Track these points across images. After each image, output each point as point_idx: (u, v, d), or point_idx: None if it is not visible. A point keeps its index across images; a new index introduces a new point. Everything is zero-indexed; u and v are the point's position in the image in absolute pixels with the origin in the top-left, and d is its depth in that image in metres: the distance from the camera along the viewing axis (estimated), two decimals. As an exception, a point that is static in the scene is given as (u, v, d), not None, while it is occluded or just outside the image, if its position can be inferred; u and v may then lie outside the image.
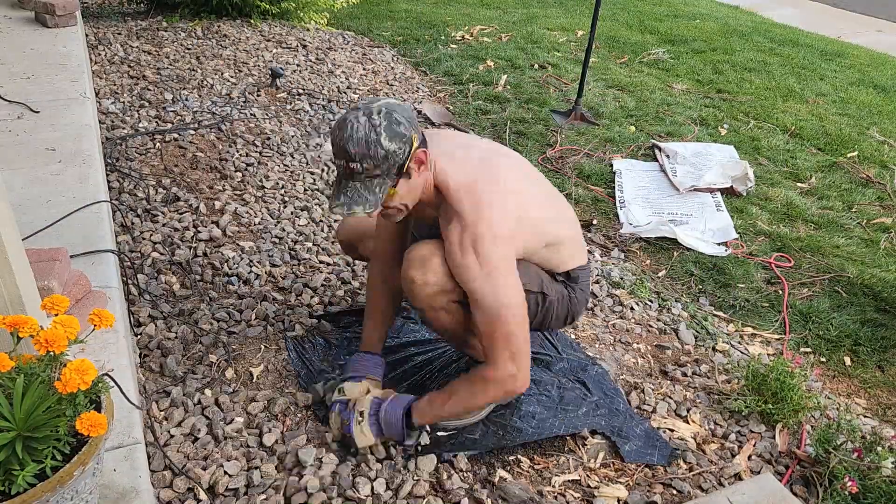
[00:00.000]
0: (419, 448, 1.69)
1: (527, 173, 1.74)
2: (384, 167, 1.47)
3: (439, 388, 1.72)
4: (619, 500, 1.67)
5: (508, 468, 1.72)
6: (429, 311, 1.67)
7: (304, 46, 4.56)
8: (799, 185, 3.47)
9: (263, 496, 1.56)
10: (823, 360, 2.33)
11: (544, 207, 1.72)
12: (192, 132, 3.20)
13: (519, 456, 1.77)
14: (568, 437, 1.83)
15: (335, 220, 2.69)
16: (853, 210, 3.23)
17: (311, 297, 2.25)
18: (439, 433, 1.76)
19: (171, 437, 1.68)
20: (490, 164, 1.64)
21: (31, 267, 1.58)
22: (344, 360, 1.99)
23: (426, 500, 1.60)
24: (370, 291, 1.88)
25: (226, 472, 1.60)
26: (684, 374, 2.12)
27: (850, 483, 1.63)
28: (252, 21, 4.83)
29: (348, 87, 4.03)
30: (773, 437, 1.90)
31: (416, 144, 1.50)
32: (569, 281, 1.79)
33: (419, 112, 3.85)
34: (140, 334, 1.99)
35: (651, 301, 2.49)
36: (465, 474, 1.69)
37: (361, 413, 1.66)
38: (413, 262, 1.61)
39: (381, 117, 1.46)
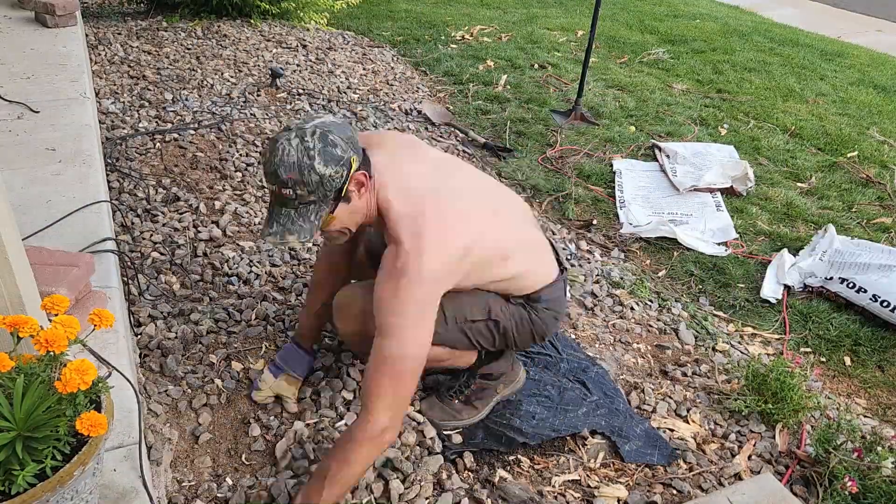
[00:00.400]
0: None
1: (483, 192, 1.63)
2: (319, 193, 1.38)
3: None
4: (619, 500, 1.67)
5: (508, 468, 1.72)
6: (353, 344, 1.77)
7: (304, 46, 4.56)
8: (799, 185, 3.47)
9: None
10: (823, 360, 2.33)
11: (499, 232, 1.57)
12: (192, 132, 3.20)
13: (519, 456, 1.77)
14: (568, 437, 1.83)
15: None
16: (853, 210, 3.23)
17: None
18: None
19: (171, 437, 1.68)
20: (440, 188, 1.50)
21: (46, 270, 1.58)
22: None
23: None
24: (313, 282, 1.85)
25: (226, 473, 1.60)
26: (684, 374, 2.12)
27: (850, 483, 1.63)
28: (252, 21, 4.83)
29: (348, 87, 4.03)
30: (773, 437, 1.90)
31: (355, 166, 1.40)
32: (528, 302, 1.67)
33: (419, 112, 3.86)
34: (140, 334, 1.99)
35: (651, 301, 2.49)
36: (466, 474, 1.69)
37: None
38: (336, 309, 1.67)
39: (316, 139, 1.36)
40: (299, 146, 1.35)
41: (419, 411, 1.83)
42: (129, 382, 1.49)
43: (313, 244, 2.53)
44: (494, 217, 1.59)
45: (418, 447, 1.73)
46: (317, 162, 1.35)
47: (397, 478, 1.62)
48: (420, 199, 1.46)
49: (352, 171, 1.40)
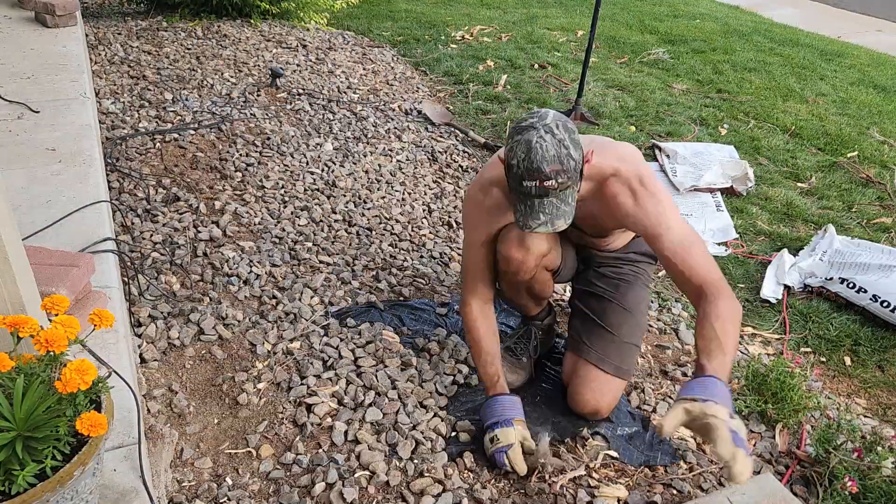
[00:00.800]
0: None
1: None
2: (575, 176, 1.51)
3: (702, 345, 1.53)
4: (619, 500, 1.67)
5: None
6: (526, 281, 1.82)
7: (304, 46, 4.56)
8: (799, 184, 3.47)
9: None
10: (823, 360, 2.33)
11: None
12: (192, 132, 3.20)
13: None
14: (568, 438, 1.83)
15: (335, 221, 2.69)
16: (853, 210, 3.23)
17: (311, 297, 2.25)
18: None
19: (171, 437, 1.68)
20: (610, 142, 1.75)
21: (46, 270, 1.58)
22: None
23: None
24: (474, 332, 1.84)
25: (226, 474, 1.61)
26: (684, 374, 2.12)
27: (850, 483, 1.63)
28: (252, 21, 4.83)
29: (348, 87, 4.03)
30: (773, 437, 1.90)
31: (583, 148, 1.56)
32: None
33: (419, 112, 3.86)
34: (140, 334, 1.99)
35: (651, 301, 2.48)
36: (466, 474, 1.69)
37: (731, 415, 1.39)
38: (512, 246, 1.74)
39: (562, 130, 1.49)
40: (553, 140, 1.48)
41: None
42: (128, 384, 1.49)
43: (316, 246, 2.53)
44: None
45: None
46: (571, 150, 1.49)
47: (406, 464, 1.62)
48: (601, 146, 1.69)
49: (583, 150, 1.56)
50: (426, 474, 1.66)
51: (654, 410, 1.95)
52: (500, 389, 1.78)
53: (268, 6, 4.85)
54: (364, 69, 4.39)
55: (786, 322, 2.46)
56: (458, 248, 2.64)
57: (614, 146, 1.71)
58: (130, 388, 1.48)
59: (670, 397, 2.01)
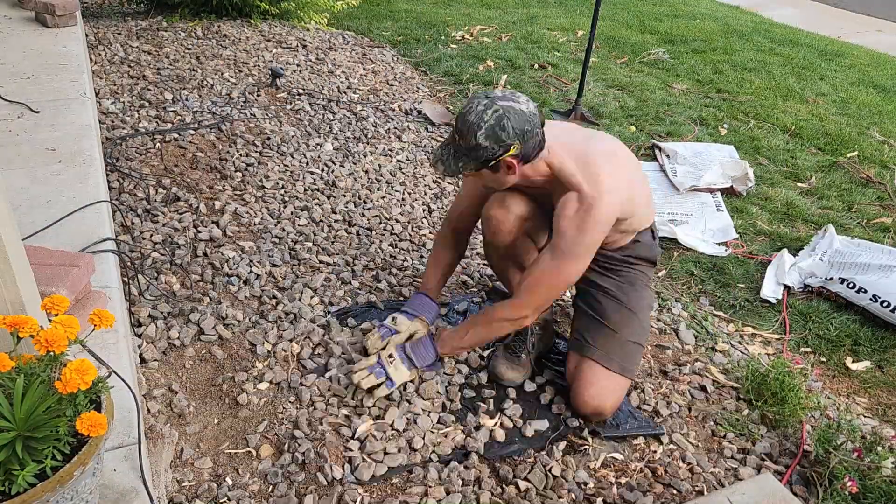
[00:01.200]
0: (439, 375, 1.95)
1: (627, 154, 1.91)
2: (471, 155, 1.67)
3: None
4: (619, 500, 1.67)
5: (517, 469, 1.72)
6: (503, 251, 1.98)
7: (304, 46, 4.56)
8: (799, 184, 3.47)
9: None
10: (823, 360, 2.33)
11: (641, 186, 1.92)
12: (192, 132, 3.20)
13: (527, 458, 1.77)
14: (569, 437, 1.83)
15: (335, 221, 2.70)
16: (853, 210, 3.23)
17: (311, 297, 2.25)
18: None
19: (171, 437, 1.68)
20: (598, 143, 1.83)
21: (46, 270, 1.58)
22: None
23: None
24: (439, 240, 2.12)
25: (226, 474, 1.61)
26: (684, 374, 2.12)
27: (850, 483, 1.63)
28: (252, 21, 4.83)
29: (348, 87, 4.03)
30: (773, 438, 1.90)
31: (512, 151, 1.66)
32: (640, 244, 2.01)
33: (419, 112, 3.86)
34: (140, 334, 1.99)
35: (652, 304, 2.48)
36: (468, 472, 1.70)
37: (391, 356, 1.85)
38: (494, 204, 1.90)
39: (491, 115, 1.63)
40: (480, 113, 1.64)
41: (498, 375, 1.97)
42: (127, 384, 1.49)
43: (316, 246, 2.53)
44: (635, 168, 1.93)
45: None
46: (480, 133, 1.63)
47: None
48: (583, 150, 1.77)
49: (506, 154, 1.66)
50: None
51: (655, 410, 1.95)
52: (425, 290, 2.08)
53: (268, 6, 4.85)
54: (364, 69, 4.39)
55: (786, 322, 2.46)
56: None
57: (606, 174, 1.74)
58: (130, 388, 1.48)
59: (670, 397, 2.02)
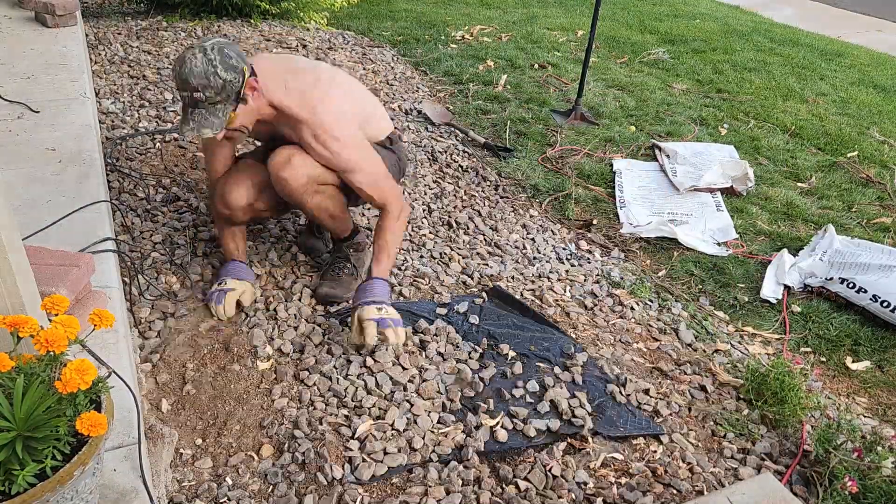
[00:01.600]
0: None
1: (334, 69, 2.12)
2: (223, 94, 1.74)
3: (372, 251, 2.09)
4: (619, 500, 1.67)
5: (517, 470, 1.72)
6: (308, 201, 2.02)
7: (304, 46, 4.56)
8: (799, 184, 3.47)
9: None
10: (823, 360, 2.33)
11: (358, 91, 2.12)
12: (192, 132, 3.20)
13: (528, 459, 1.77)
14: (569, 438, 1.83)
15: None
16: (853, 210, 3.23)
17: (311, 296, 2.25)
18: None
19: (171, 437, 1.68)
20: (311, 72, 1.98)
21: (46, 270, 1.58)
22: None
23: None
24: (219, 210, 2.13)
25: (227, 473, 1.61)
26: (684, 374, 2.12)
27: (850, 483, 1.63)
28: (252, 21, 4.83)
29: (348, 87, 4.03)
30: (773, 438, 1.90)
31: (247, 74, 1.78)
32: (391, 145, 2.20)
33: (419, 112, 3.85)
34: (140, 334, 1.99)
35: (651, 301, 2.49)
36: (468, 470, 1.70)
37: (378, 307, 1.93)
38: (279, 165, 1.94)
39: (215, 53, 1.72)
40: (203, 58, 1.71)
41: (323, 294, 2.17)
42: (127, 384, 1.49)
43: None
44: (353, 83, 2.14)
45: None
46: (219, 69, 1.72)
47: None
48: (298, 83, 1.91)
49: (246, 77, 1.78)
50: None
51: (655, 410, 1.95)
52: (236, 258, 2.17)
53: (268, 6, 4.85)
54: (364, 69, 4.39)
55: (786, 322, 2.46)
56: (459, 248, 2.64)
57: (312, 91, 1.90)
58: (130, 388, 1.48)
59: (670, 397, 2.02)
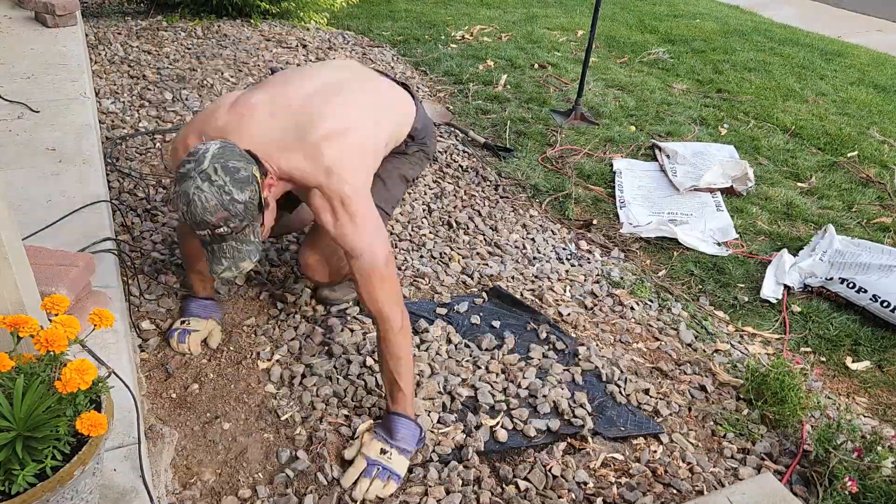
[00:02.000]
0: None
1: (353, 91, 1.82)
2: (249, 216, 1.50)
3: (381, 386, 1.86)
4: (619, 500, 1.67)
5: (517, 470, 1.72)
6: (339, 281, 2.06)
7: (304, 46, 4.56)
8: (799, 184, 3.47)
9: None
10: (823, 360, 2.33)
11: (373, 116, 1.80)
12: (192, 132, 3.20)
13: (528, 460, 1.77)
14: (570, 438, 1.83)
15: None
16: (853, 210, 3.23)
17: (312, 297, 2.25)
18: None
19: (171, 437, 1.68)
20: (312, 120, 1.66)
21: (46, 270, 1.58)
22: None
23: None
24: (188, 247, 1.95)
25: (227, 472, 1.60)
26: (684, 374, 2.12)
27: (850, 483, 1.63)
28: (252, 21, 4.83)
29: (348, 87, 4.03)
30: (773, 437, 1.90)
31: (258, 176, 1.53)
32: (416, 140, 2.04)
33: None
34: (140, 334, 1.99)
35: (651, 301, 2.49)
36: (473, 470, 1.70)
37: (382, 450, 1.62)
38: (309, 269, 1.96)
39: (220, 174, 1.45)
40: (210, 188, 1.44)
41: (324, 297, 2.14)
42: (126, 385, 1.49)
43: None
44: (370, 102, 1.84)
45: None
46: (234, 193, 1.46)
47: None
48: (300, 145, 1.62)
49: (260, 182, 1.53)
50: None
51: (655, 410, 1.95)
52: (205, 294, 2.01)
53: (268, 6, 4.85)
54: (364, 69, 4.38)
55: (786, 322, 2.46)
56: (459, 248, 2.64)
57: (331, 152, 1.61)
58: (130, 388, 1.48)
59: (670, 397, 2.02)
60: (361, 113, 1.77)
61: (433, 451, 1.74)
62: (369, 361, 1.99)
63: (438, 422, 1.83)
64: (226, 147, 1.50)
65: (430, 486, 1.64)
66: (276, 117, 1.66)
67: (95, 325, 1.21)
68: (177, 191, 1.46)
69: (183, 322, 1.95)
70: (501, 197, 3.09)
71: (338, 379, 1.92)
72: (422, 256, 2.57)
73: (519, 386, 1.97)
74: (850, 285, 2.51)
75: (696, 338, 2.31)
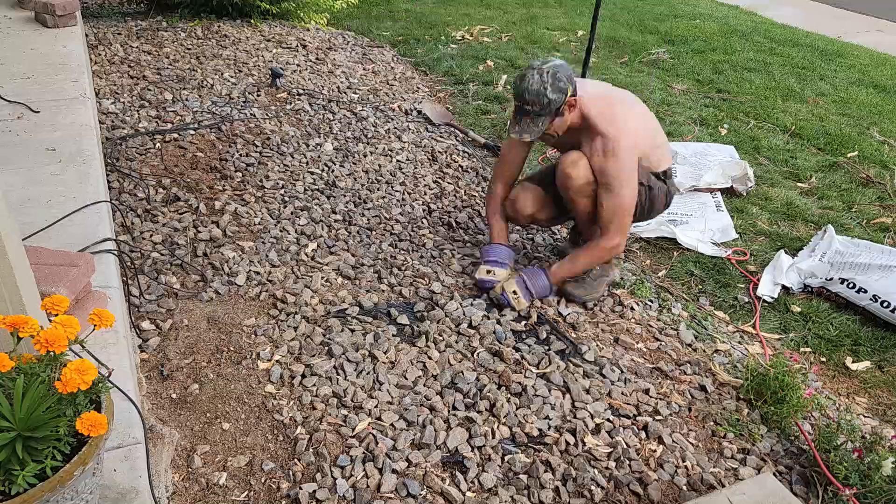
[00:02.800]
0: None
1: (637, 100, 2.39)
2: (547, 110, 2.11)
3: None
4: (619, 500, 1.67)
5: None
6: (577, 198, 2.26)
7: (304, 46, 4.56)
8: (799, 184, 3.47)
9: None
10: (823, 360, 2.33)
11: (651, 122, 2.35)
12: (192, 132, 3.20)
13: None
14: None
15: (335, 221, 2.69)
16: (853, 210, 3.23)
17: (312, 297, 2.25)
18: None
19: (171, 437, 1.68)
20: (617, 95, 2.31)
21: (46, 270, 1.58)
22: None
23: None
24: (494, 202, 2.50)
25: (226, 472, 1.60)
26: (684, 374, 2.12)
27: (849, 492, 1.63)
28: (252, 21, 4.83)
29: (348, 87, 4.03)
30: (774, 438, 1.90)
31: (569, 93, 2.11)
32: (665, 178, 2.37)
33: (419, 112, 3.86)
34: (140, 334, 1.99)
35: (651, 301, 2.49)
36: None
37: (515, 292, 2.26)
38: (568, 163, 2.22)
39: (548, 76, 2.07)
40: (538, 79, 2.08)
41: (569, 293, 2.37)
42: (126, 386, 1.49)
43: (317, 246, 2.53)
44: (645, 110, 2.37)
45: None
46: (549, 91, 2.08)
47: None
48: (606, 102, 2.21)
49: (567, 97, 2.11)
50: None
51: (655, 410, 1.95)
52: (501, 240, 2.45)
53: (268, 6, 4.85)
54: (364, 69, 4.39)
55: (756, 317, 2.46)
56: (458, 248, 2.65)
57: (623, 114, 2.20)
58: (130, 388, 1.48)
59: (670, 397, 2.02)
60: (648, 119, 2.36)
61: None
62: (369, 361, 1.99)
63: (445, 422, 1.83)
64: (563, 67, 2.12)
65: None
66: (602, 94, 2.26)
67: (95, 325, 1.21)
68: (523, 70, 2.13)
69: (489, 272, 2.34)
70: (501, 197, 3.09)
71: (338, 379, 1.92)
72: (422, 256, 2.57)
73: (519, 386, 1.97)
74: (850, 285, 2.51)
75: (696, 338, 2.31)
